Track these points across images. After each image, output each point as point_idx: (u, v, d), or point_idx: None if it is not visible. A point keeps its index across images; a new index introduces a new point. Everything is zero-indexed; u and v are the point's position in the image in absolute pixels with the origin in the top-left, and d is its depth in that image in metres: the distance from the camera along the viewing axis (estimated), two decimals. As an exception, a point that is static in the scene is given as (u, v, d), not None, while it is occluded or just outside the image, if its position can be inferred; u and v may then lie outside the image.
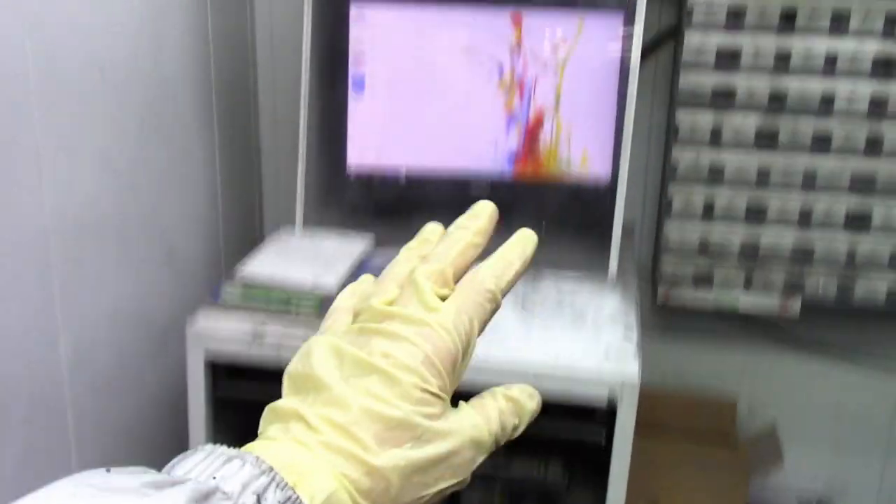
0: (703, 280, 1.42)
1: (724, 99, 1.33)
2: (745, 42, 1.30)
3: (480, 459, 0.48)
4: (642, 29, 1.23)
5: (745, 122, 1.33)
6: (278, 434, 0.45)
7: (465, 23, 1.30)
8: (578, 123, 1.32)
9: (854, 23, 1.27)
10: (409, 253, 0.52)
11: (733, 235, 1.39)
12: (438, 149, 1.35)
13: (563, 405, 1.06)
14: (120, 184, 1.17)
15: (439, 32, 1.31)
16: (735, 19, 1.29)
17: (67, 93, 1.04)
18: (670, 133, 1.39)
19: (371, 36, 1.32)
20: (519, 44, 1.29)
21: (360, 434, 0.44)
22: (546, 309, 1.21)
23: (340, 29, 1.33)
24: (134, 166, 1.20)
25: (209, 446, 0.41)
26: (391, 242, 1.15)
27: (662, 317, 1.60)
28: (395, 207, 1.37)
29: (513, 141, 1.33)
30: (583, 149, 1.33)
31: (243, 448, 0.43)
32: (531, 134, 1.33)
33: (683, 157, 1.36)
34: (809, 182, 1.35)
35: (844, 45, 1.28)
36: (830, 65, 1.29)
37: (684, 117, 1.35)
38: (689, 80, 1.33)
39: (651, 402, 1.16)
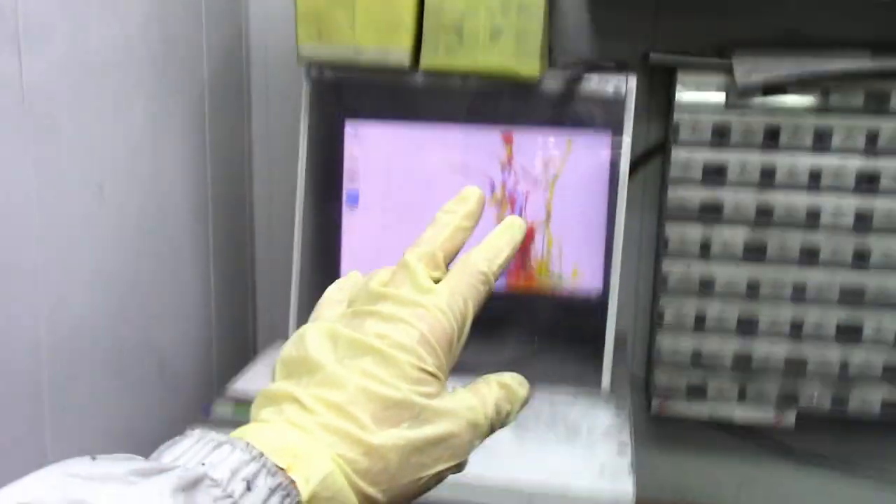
0: (697, 392, 1.42)
1: (711, 213, 1.35)
2: (731, 158, 1.33)
3: (478, 443, 0.47)
4: (630, 146, 1.26)
5: (734, 236, 1.35)
6: (271, 417, 0.44)
7: (457, 141, 1.33)
8: (569, 237, 1.34)
9: (836, 140, 1.30)
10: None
11: (725, 347, 1.39)
12: (431, 262, 1.36)
13: (558, 525, 1.04)
14: (114, 300, 1.17)
15: (432, 150, 1.34)
16: (720, 136, 1.33)
17: (67, 211, 1.05)
18: (660, 246, 1.41)
19: (365, 153, 1.35)
20: (510, 161, 1.32)
21: (357, 413, 0.43)
22: (539, 424, 1.20)
23: (335, 146, 1.36)
24: (128, 282, 1.20)
25: (198, 431, 0.40)
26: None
27: (657, 428, 1.59)
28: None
29: (505, 254, 1.34)
30: (574, 262, 1.35)
31: (235, 432, 0.42)
32: (523, 248, 1.34)
33: (673, 269, 1.38)
34: (799, 295, 1.36)
35: (828, 162, 1.31)
36: (815, 180, 1.32)
37: (673, 231, 1.37)
38: (677, 194, 1.35)
39: (647, 519, 1.14)
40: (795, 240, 1.34)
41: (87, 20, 1.08)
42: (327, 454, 0.41)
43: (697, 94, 1.32)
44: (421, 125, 1.34)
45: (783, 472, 1.59)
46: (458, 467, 0.46)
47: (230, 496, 0.37)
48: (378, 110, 1.35)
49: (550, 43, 1.34)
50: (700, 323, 1.39)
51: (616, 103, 1.26)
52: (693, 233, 1.36)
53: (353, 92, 1.35)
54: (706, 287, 1.38)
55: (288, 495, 0.39)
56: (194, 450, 0.39)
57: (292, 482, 0.40)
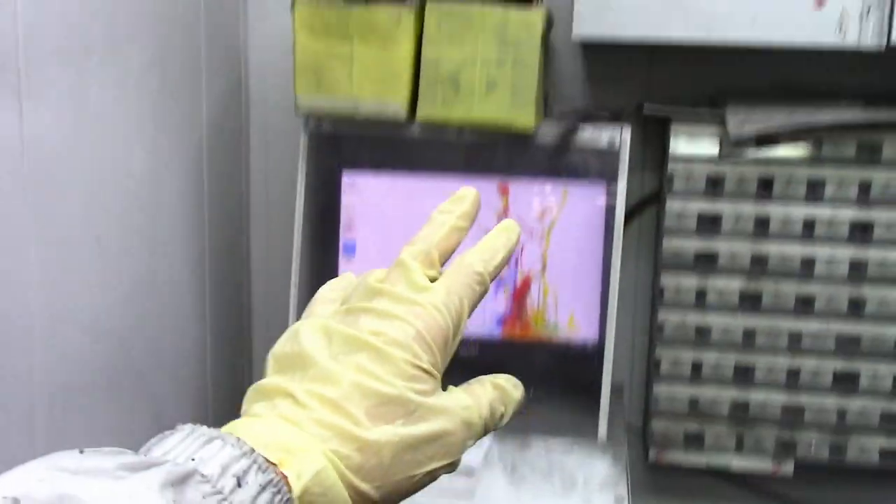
0: (695, 441, 1.41)
1: (706, 262, 1.36)
2: (725, 208, 1.34)
3: (471, 443, 0.47)
4: (625, 195, 1.27)
5: (729, 285, 1.36)
6: (263, 411, 0.43)
7: (453, 191, 1.34)
8: (565, 286, 1.35)
9: (829, 191, 1.32)
10: None
11: (722, 396, 1.39)
12: (428, 311, 1.36)
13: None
14: (110, 348, 1.17)
15: (429, 200, 1.34)
16: (714, 186, 1.34)
17: (64, 261, 1.06)
18: (656, 295, 1.41)
19: (362, 203, 1.36)
20: (506, 211, 1.33)
21: (352, 409, 0.42)
22: (536, 475, 1.20)
23: (332, 195, 1.37)
24: (125, 332, 1.21)
25: (189, 426, 0.40)
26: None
27: (655, 477, 1.58)
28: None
29: (500, 304, 1.35)
30: (570, 311, 1.35)
31: (226, 427, 0.41)
32: (519, 297, 1.35)
33: (669, 319, 1.38)
34: (795, 344, 1.36)
35: (821, 212, 1.32)
36: (809, 230, 1.33)
37: (669, 280, 1.37)
38: (672, 244, 1.36)
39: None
40: (790, 289, 1.35)
41: (88, 70, 1.09)
42: (320, 449, 0.41)
43: (691, 145, 1.34)
44: (418, 176, 1.35)
45: (782, 522, 1.57)
46: (451, 466, 0.46)
47: (220, 492, 0.37)
48: (375, 161, 1.36)
49: (546, 93, 1.35)
50: (697, 372, 1.39)
51: (611, 154, 1.28)
52: (688, 282, 1.37)
53: (351, 142, 1.36)
54: (702, 336, 1.38)
55: (279, 492, 0.38)
56: (184, 444, 0.39)
57: (283, 478, 0.39)
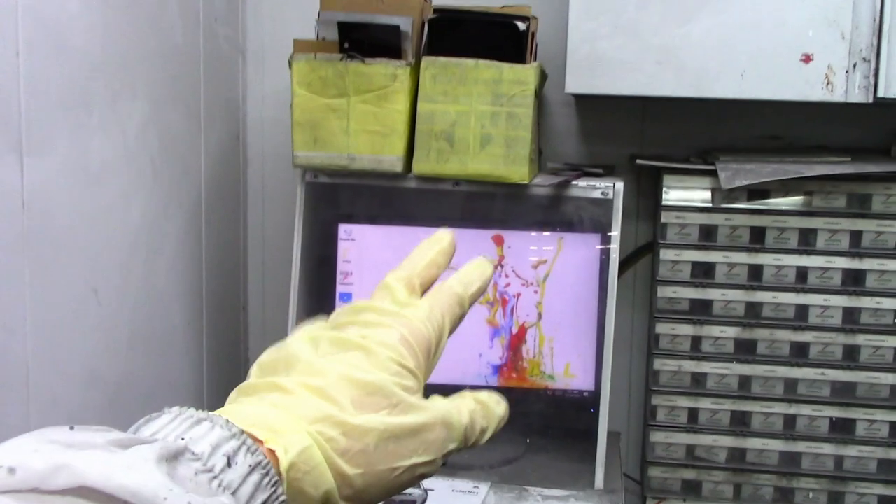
0: (692, 490, 1.41)
1: (701, 311, 1.37)
2: (718, 258, 1.35)
3: (451, 446, 0.48)
4: (619, 246, 1.28)
5: (724, 333, 1.37)
6: (252, 401, 0.44)
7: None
8: (561, 336, 1.35)
9: (821, 241, 1.33)
10: None
11: (719, 444, 1.39)
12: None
13: None
14: (106, 397, 1.17)
15: (424, 251, 1.36)
16: (707, 236, 1.35)
17: (60, 312, 1.07)
18: (651, 344, 1.42)
19: (359, 254, 1.37)
20: (501, 262, 1.34)
21: (338, 397, 0.43)
22: (533, 526, 1.19)
23: (329, 247, 1.38)
24: (121, 383, 1.21)
25: (176, 409, 0.40)
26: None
27: (653, 527, 1.57)
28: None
29: (496, 353, 1.36)
30: (566, 359, 1.36)
31: (214, 412, 0.41)
32: (514, 346, 1.36)
33: (665, 367, 1.39)
34: (790, 392, 1.37)
35: (813, 262, 1.34)
36: (802, 280, 1.34)
37: (663, 329, 1.38)
38: (666, 293, 1.37)
39: None
40: (785, 337, 1.36)
41: (88, 126, 1.11)
42: (306, 431, 0.42)
43: (684, 196, 1.35)
44: (413, 227, 1.36)
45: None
46: (432, 465, 0.47)
47: (210, 471, 0.37)
48: (371, 213, 1.37)
49: (540, 146, 1.38)
50: (693, 420, 1.40)
51: (605, 204, 1.29)
52: (683, 330, 1.38)
53: (347, 195, 1.38)
54: (698, 384, 1.39)
55: (267, 473, 0.39)
56: (172, 425, 0.39)
57: (272, 459, 0.40)
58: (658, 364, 1.39)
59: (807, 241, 1.34)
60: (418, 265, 0.53)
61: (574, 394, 1.37)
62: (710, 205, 1.35)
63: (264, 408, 0.43)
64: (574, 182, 1.29)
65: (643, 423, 1.52)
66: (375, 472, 0.44)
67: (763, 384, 1.37)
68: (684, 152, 1.45)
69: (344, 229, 1.37)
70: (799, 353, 1.36)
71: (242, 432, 0.39)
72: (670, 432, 1.40)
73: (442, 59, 1.23)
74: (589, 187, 1.30)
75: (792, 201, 1.33)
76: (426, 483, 1.17)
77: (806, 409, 1.37)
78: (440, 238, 0.55)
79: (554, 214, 1.34)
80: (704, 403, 1.39)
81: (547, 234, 1.34)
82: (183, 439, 0.38)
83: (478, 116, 1.23)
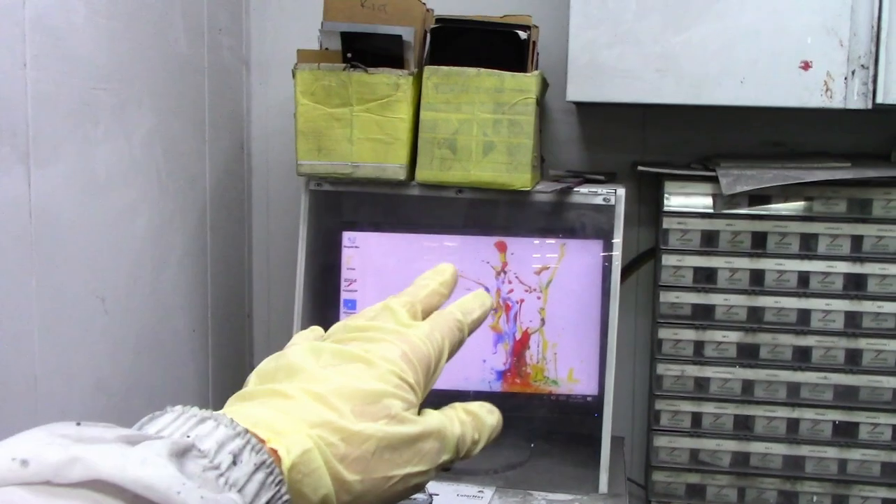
0: (696, 494, 1.41)
1: (703, 316, 1.37)
2: (720, 263, 1.36)
3: (444, 458, 0.49)
4: (621, 251, 1.29)
5: (726, 339, 1.37)
6: (252, 405, 0.45)
7: (452, 249, 1.37)
8: (564, 341, 1.36)
9: (822, 246, 1.34)
10: None
11: (722, 450, 1.40)
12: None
13: None
14: (113, 405, 1.18)
15: (428, 258, 1.37)
16: (709, 242, 1.36)
17: (67, 321, 1.08)
18: (654, 349, 1.43)
19: (362, 262, 1.38)
20: (504, 268, 1.35)
21: (339, 404, 0.44)
22: (537, 531, 1.20)
23: (333, 254, 1.39)
24: (127, 387, 1.22)
25: (179, 407, 0.41)
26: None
27: (657, 532, 1.57)
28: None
29: (500, 359, 1.36)
30: (569, 365, 1.36)
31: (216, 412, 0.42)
32: (518, 352, 1.36)
33: (668, 372, 1.39)
34: (793, 396, 1.37)
35: (815, 267, 1.34)
36: (803, 284, 1.35)
37: (666, 334, 1.39)
38: (669, 298, 1.38)
39: None
40: (787, 342, 1.36)
41: (95, 136, 1.12)
42: (307, 435, 0.43)
43: (685, 202, 1.36)
44: (417, 235, 1.37)
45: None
46: (425, 475, 0.48)
47: (217, 468, 0.38)
48: (375, 220, 1.39)
49: (542, 154, 1.38)
50: (696, 424, 1.40)
51: (607, 211, 1.30)
52: (686, 336, 1.38)
53: (351, 203, 1.39)
54: (701, 388, 1.39)
55: (271, 473, 0.40)
56: (177, 424, 0.40)
57: (275, 459, 0.40)
58: (661, 369, 1.40)
59: (808, 246, 1.34)
60: (420, 293, 0.54)
61: (578, 399, 1.37)
62: (711, 211, 1.35)
63: (266, 409, 0.44)
64: (576, 189, 1.30)
65: (647, 428, 1.53)
66: (372, 480, 0.44)
67: (766, 388, 1.38)
68: (685, 159, 1.46)
69: (348, 237, 1.38)
70: (801, 358, 1.37)
71: (247, 431, 0.40)
72: (674, 436, 1.41)
73: (444, 68, 1.24)
74: (591, 194, 1.31)
75: (793, 207, 1.34)
76: (430, 487, 1.18)
77: (809, 413, 1.38)
78: (443, 270, 0.57)
79: (556, 221, 1.35)
80: (708, 408, 1.40)
81: (550, 240, 1.35)
82: (189, 437, 0.39)
83: (480, 124, 1.24)
